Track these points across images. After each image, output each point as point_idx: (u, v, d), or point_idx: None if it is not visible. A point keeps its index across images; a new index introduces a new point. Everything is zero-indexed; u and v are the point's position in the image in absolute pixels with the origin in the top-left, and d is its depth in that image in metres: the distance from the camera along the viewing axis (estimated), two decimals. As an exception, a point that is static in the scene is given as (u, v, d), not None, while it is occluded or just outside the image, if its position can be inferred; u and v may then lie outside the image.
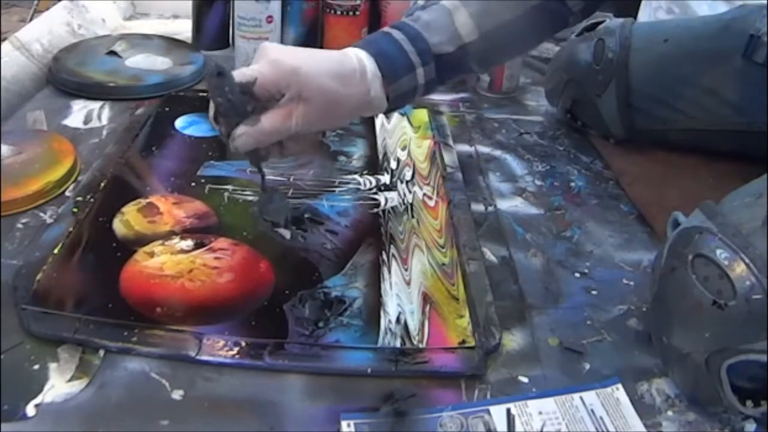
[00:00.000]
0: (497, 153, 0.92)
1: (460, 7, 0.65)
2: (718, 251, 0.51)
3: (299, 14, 1.03)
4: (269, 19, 0.97)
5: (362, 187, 0.81)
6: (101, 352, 0.57)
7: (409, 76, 0.64)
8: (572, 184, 0.85)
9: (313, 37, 1.06)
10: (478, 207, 0.79)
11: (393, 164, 0.85)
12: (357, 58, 0.63)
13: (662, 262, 0.56)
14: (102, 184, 0.77)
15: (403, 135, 0.92)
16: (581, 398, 0.55)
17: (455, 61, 0.65)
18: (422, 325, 0.61)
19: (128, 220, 0.72)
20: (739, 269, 0.50)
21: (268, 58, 0.60)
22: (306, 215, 0.74)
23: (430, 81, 0.65)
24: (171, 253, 0.67)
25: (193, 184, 0.79)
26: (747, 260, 0.50)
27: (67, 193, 0.76)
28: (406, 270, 0.68)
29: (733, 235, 0.51)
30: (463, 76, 0.67)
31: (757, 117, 0.81)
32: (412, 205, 0.78)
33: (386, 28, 0.67)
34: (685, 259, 0.53)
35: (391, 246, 0.71)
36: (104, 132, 0.90)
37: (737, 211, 0.53)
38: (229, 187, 0.78)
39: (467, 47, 0.65)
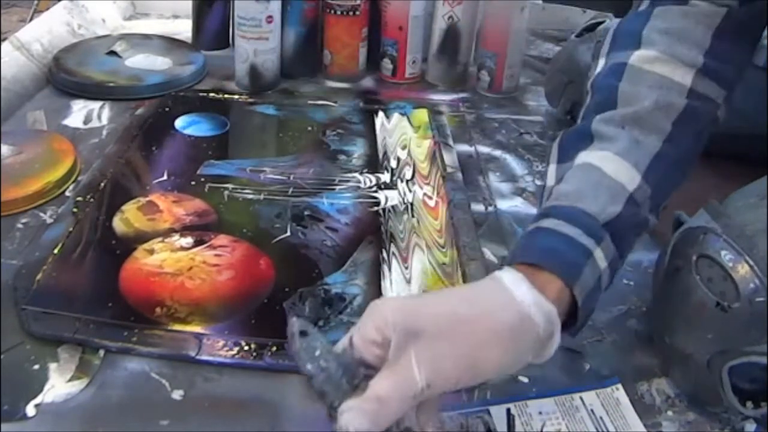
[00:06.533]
0: (497, 153, 0.92)
1: (605, 156, 0.52)
2: (723, 252, 0.51)
3: (299, 14, 1.03)
4: (269, 19, 0.97)
5: (362, 186, 0.81)
6: (101, 352, 0.57)
7: (588, 263, 0.48)
8: (572, 184, 0.85)
9: (313, 37, 1.05)
10: (478, 207, 0.79)
11: (393, 163, 0.85)
12: (492, 277, 0.47)
13: (666, 261, 0.56)
14: (102, 184, 0.77)
15: (403, 134, 0.92)
16: (581, 398, 0.55)
17: (629, 221, 0.51)
18: (422, 324, 0.61)
19: (128, 218, 0.72)
20: (743, 271, 0.50)
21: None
22: (306, 213, 0.75)
23: (613, 260, 0.50)
24: (171, 251, 0.67)
25: (193, 183, 0.79)
26: (751, 262, 0.49)
27: (67, 193, 0.76)
28: (406, 269, 0.68)
29: (738, 237, 0.51)
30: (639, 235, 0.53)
31: (758, 121, 0.80)
32: (412, 204, 0.78)
33: (532, 226, 0.51)
34: (690, 259, 0.53)
35: (391, 244, 0.71)
36: (104, 132, 0.90)
37: (742, 212, 0.53)
38: (229, 185, 0.78)
39: (635, 196, 0.51)
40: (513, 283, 0.45)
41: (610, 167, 0.52)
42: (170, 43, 1.11)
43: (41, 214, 0.73)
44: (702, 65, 0.56)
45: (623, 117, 0.54)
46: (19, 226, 0.71)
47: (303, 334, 0.44)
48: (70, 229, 0.69)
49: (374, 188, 0.80)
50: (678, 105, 0.55)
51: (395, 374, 0.41)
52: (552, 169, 0.56)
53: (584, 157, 0.53)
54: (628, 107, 0.55)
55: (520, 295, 0.44)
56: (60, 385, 0.54)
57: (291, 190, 0.79)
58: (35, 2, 1.99)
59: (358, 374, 0.42)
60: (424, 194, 0.80)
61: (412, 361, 0.40)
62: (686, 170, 0.56)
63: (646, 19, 0.59)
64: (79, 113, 0.93)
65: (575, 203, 0.50)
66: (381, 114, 0.96)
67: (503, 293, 0.44)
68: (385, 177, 0.82)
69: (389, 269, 0.68)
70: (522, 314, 0.44)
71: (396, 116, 0.96)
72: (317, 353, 0.43)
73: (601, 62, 0.61)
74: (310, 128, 0.93)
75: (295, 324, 0.44)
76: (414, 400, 0.41)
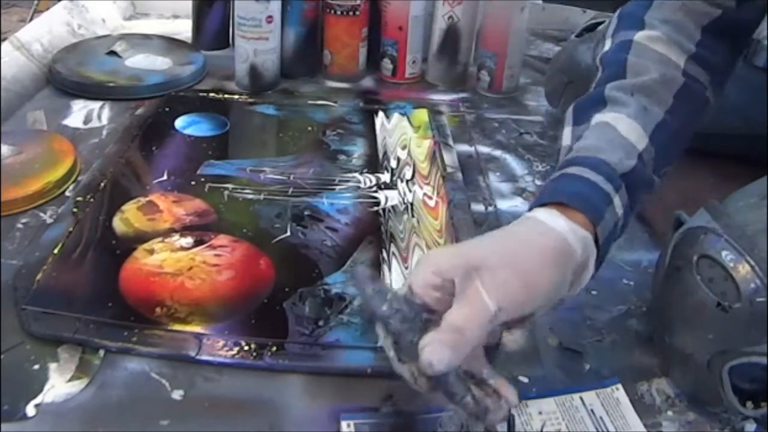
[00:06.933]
0: (497, 153, 0.92)
1: (618, 118, 0.56)
2: (724, 252, 0.51)
3: (299, 14, 1.03)
4: (269, 19, 0.97)
5: (362, 186, 0.81)
6: (101, 352, 0.57)
7: (609, 209, 0.51)
8: (572, 184, 0.85)
9: (313, 37, 1.06)
10: (478, 207, 0.79)
11: (393, 163, 0.85)
12: (526, 216, 0.52)
13: (666, 261, 0.56)
14: (102, 184, 0.77)
15: (403, 134, 0.92)
16: (581, 398, 0.55)
17: (641, 177, 0.55)
18: (422, 324, 0.61)
19: (128, 217, 0.72)
20: (743, 271, 0.50)
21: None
22: (306, 213, 0.75)
23: (626, 210, 0.53)
24: (171, 251, 0.67)
25: (193, 183, 0.79)
26: (752, 262, 0.49)
27: (67, 193, 0.76)
28: (406, 269, 0.68)
29: (739, 237, 0.51)
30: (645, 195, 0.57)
31: (758, 121, 0.80)
32: (412, 204, 0.78)
33: (556, 173, 0.55)
34: (690, 259, 0.53)
35: (391, 244, 0.71)
36: (104, 132, 0.90)
37: (742, 212, 0.53)
38: (229, 185, 0.78)
39: (643, 155, 0.55)
40: (548, 217, 0.49)
41: (623, 127, 0.55)
42: (170, 43, 1.11)
43: (41, 214, 0.73)
44: (694, 53, 0.61)
45: (633, 85, 0.58)
46: (19, 226, 0.71)
47: (373, 280, 0.47)
48: (70, 229, 0.69)
49: (374, 188, 0.80)
50: (678, 80, 0.59)
51: (467, 305, 0.44)
52: (568, 131, 0.59)
53: (599, 117, 0.57)
54: (637, 77, 0.59)
55: (557, 226, 0.48)
56: (60, 385, 0.54)
57: (291, 190, 0.79)
58: (35, 2, 1.99)
59: (422, 317, 0.46)
60: (424, 194, 0.80)
61: (480, 290, 0.44)
62: (681, 145, 0.60)
63: (647, 7, 0.64)
64: (79, 113, 0.93)
65: (596, 154, 0.54)
66: (381, 114, 0.96)
67: (541, 225, 0.49)
68: (385, 177, 0.82)
69: (389, 269, 0.68)
70: (561, 240, 0.48)
71: (396, 116, 0.96)
72: (389, 296, 0.46)
73: (608, 42, 0.65)
74: (310, 128, 0.93)
75: (365, 271, 0.49)
76: (489, 326, 0.44)
